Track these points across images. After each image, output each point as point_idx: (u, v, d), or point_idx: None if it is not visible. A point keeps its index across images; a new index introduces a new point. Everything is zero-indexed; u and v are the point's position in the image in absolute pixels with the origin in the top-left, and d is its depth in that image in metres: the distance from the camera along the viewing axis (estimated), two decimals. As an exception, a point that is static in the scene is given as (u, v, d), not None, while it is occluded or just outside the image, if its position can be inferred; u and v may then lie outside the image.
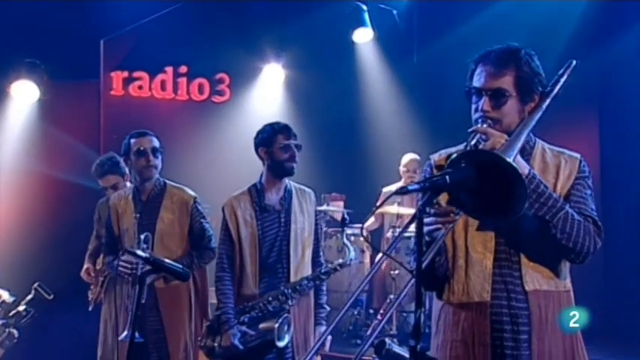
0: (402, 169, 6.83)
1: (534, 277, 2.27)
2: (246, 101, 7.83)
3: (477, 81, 2.31)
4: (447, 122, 7.67)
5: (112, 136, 7.21)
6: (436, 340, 2.44)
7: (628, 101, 7.01)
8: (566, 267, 2.34)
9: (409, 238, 6.53)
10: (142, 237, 3.73)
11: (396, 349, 4.62)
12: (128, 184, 4.56)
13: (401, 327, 6.27)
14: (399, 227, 6.37)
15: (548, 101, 2.31)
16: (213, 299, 4.05)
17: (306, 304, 3.79)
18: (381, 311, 6.30)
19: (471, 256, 2.31)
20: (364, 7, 7.56)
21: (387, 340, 4.78)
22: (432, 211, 2.09)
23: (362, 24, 7.55)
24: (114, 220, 4.04)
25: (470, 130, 2.26)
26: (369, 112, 7.86)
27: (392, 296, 6.25)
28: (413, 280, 1.94)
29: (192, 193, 4.08)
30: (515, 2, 6.88)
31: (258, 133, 3.79)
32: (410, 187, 1.91)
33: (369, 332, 6.07)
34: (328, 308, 3.90)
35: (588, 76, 6.58)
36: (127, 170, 4.58)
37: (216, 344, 3.68)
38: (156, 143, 3.98)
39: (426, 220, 2.09)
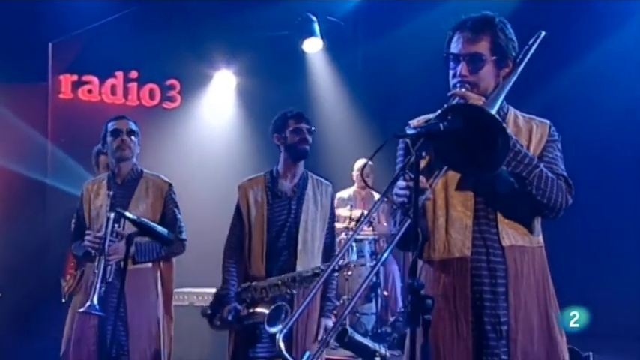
0: (355, 173, 6.95)
1: (510, 234, 2.37)
2: (197, 108, 7.85)
3: (455, 47, 2.41)
4: (396, 127, 7.92)
5: (60, 139, 7.13)
6: None
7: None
8: (538, 224, 2.46)
9: (361, 240, 6.67)
10: (112, 215, 3.67)
11: (358, 337, 4.74)
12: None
13: (354, 328, 6.32)
14: (352, 230, 6.46)
15: (520, 68, 2.43)
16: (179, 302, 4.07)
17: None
18: (335, 312, 6.34)
19: (451, 214, 2.41)
20: (314, 18, 7.70)
21: (349, 328, 4.88)
22: (405, 184, 2.21)
23: (311, 34, 7.70)
24: (85, 205, 3.98)
25: (449, 93, 2.36)
26: (320, 120, 7.90)
27: (345, 297, 6.31)
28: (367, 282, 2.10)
29: (167, 180, 4.06)
30: (454, 8, 7.11)
31: (273, 121, 3.91)
32: (408, 132, 2.01)
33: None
34: (337, 302, 3.97)
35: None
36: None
37: (216, 317, 3.76)
38: (133, 126, 3.96)
39: (400, 185, 2.22)
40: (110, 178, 3.99)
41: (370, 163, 6.86)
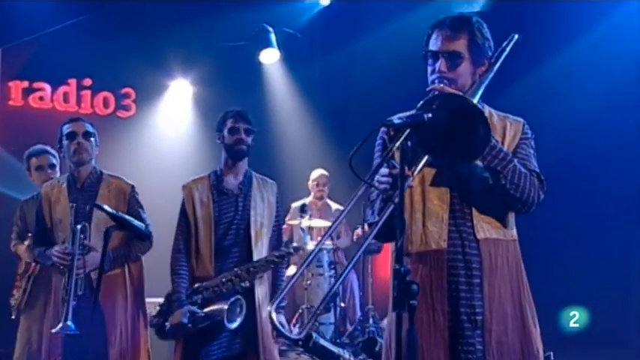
0: (311, 183, 6.96)
1: (485, 227, 2.43)
2: (153, 117, 7.75)
3: (434, 44, 2.47)
4: (352, 137, 8.00)
5: (10, 147, 6.91)
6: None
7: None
8: (512, 218, 2.51)
9: (320, 250, 6.66)
10: (79, 227, 3.60)
11: (322, 342, 4.71)
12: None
13: (313, 337, 6.28)
14: (312, 239, 6.46)
15: (496, 68, 2.49)
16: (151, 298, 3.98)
17: (264, 291, 3.80)
18: (293, 322, 6.30)
19: (428, 208, 2.45)
20: (270, 29, 7.72)
21: (314, 333, 4.86)
22: (387, 171, 2.25)
23: (268, 45, 7.71)
24: (45, 209, 3.87)
25: (428, 88, 2.40)
26: (277, 130, 7.95)
27: (304, 306, 6.27)
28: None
29: (130, 181, 3.99)
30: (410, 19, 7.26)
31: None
32: (395, 121, 2.03)
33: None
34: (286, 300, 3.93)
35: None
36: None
37: (167, 323, 3.64)
38: (89, 128, 3.88)
39: (382, 172, 2.26)
40: (70, 182, 3.89)
41: (326, 172, 7.02)
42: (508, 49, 2.57)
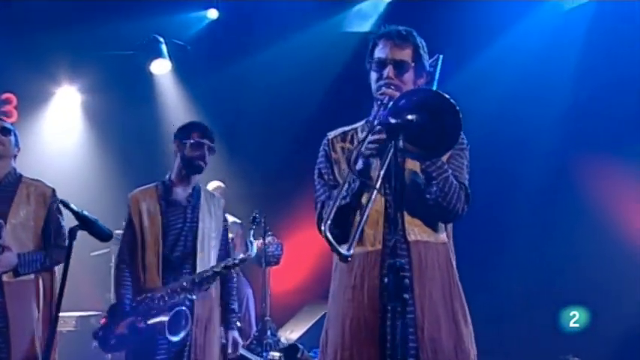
0: (207, 195, 6.90)
1: (416, 231, 2.54)
2: (37, 124, 7.40)
3: (382, 52, 2.59)
4: (243, 150, 8.05)
5: None
6: (333, 287, 2.66)
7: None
8: (442, 223, 2.64)
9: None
10: None
11: (242, 351, 4.68)
12: None
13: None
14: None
15: (435, 84, 2.67)
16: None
17: (209, 306, 3.77)
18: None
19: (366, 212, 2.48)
20: (161, 40, 7.62)
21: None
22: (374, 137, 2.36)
23: (159, 55, 7.60)
24: None
25: (379, 93, 2.54)
26: (169, 142, 7.80)
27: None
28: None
29: (50, 185, 3.81)
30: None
31: (178, 127, 3.86)
32: (391, 121, 2.14)
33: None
34: (239, 314, 3.91)
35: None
36: None
37: (110, 334, 3.55)
38: (7, 125, 3.70)
39: (370, 139, 2.37)
40: None
41: (222, 184, 6.99)
42: (438, 68, 2.71)
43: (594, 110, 6.52)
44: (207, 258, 3.76)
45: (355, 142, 2.59)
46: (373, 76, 2.61)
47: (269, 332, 6.42)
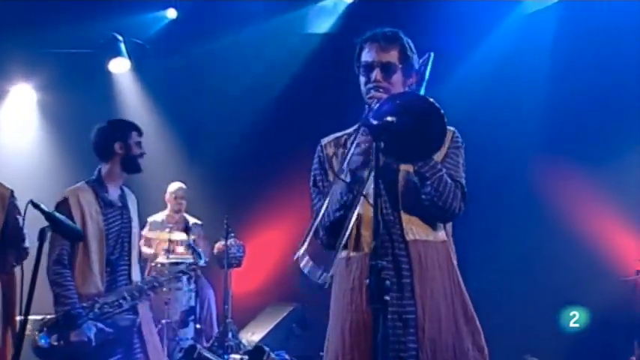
0: (168, 196, 6.85)
1: (414, 230, 2.53)
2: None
3: (368, 56, 2.59)
4: (204, 152, 7.98)
5: None
6: (334, 291, 2.62)
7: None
8: (440, 223, 2.63)
9: (178, 264, 6.53)
10: None
11: (206, 353, 4.65)
12: None
13: (172, 354, 6.15)
14: (172, 252, 6.35)
15: (424, 84, 2.67)
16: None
17: (147, 308, 3.80)
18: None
19: (361, 215, 2.50)
20: (120, 38, 7.51)
21: (198, 345, 4.77)
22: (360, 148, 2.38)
23: (118, 54, 7.49)
24: None
25: (368, 97, 2.54)
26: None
27: (164, 321, 6.12)
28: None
29: (8, 186, 3.70)
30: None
31: (109, 129, 3.80)
32: (374, 122, 2.14)
33: None
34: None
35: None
36: None
37: (57, 342, 3.45)
38: None
39: (353, 157, 2.38)
40: None
41: (184, 186, 6.93)
42: (429, 67, 2.73)
43: (558, 113, 6.66)
44: (135, 257, 3.80)
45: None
46: (362, 80, 2.61)
47: (230, 334, 6.38)
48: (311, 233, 2.22)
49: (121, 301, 3.57)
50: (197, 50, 7.89)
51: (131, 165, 3.80)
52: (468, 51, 6.90)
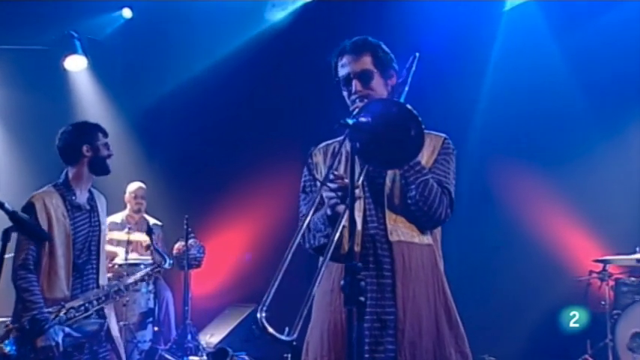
0: (128, 196, 6.75)
1: (399, 231, 2.53)
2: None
3: (343, 70, 2.63)
4: (162, 152, 7.89)
5: None
6: (317, 292, 2.56)
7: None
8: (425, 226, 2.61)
9: (137, 265, 6.44)
10: None
11: (167, 355, 4.58)
12: None
13: (131, 355, 6.06)
14: (131, 253, 6.27)
15: (408, 83, 2.62)
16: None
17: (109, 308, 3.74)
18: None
19: (345, 217, 2.49)
20: (76, 35, 7.38)
21: (159, 348, 4.70)
22: (333, 185, 2.35)
23: (74, 52, 7.36)
24: None
25: (353, 107, 2.56)
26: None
27: (122, 323, 6.02)
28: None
29: None
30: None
31: (75, 132, 3.77)
32: (349, 121, 2.13)
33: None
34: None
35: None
36: None
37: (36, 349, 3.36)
38: None
39: (326, 194, 2.36)
40: None
41: (144, 185, 6.84)
42: (414, 66, 2.68)
43: (514, 115, 6.77)
44: (104, 260, 3.79)
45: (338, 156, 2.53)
46: (344, 93, 2.64)
47: (190, 336, 6.31)
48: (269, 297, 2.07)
49: (87, 305, 3.53)
50: (154, 48, 7.84)
51: (99, 167, 3.78)
52: (420, 49, 6.96)
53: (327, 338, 2.50)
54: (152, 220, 6.71)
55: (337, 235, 2.22)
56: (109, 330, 3.69)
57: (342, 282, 2.04)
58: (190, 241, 6.34)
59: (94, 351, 3.53)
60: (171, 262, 4.09)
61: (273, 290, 2.03)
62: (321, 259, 2.21)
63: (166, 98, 7.89)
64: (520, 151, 6.78)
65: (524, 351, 6.42)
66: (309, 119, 7.63)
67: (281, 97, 7.38)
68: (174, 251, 6.60)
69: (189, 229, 6.33)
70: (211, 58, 7.68)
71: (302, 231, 2.27)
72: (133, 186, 6.75)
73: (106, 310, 3.70)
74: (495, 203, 6.68)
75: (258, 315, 1.98)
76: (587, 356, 5.89)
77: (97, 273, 3.70)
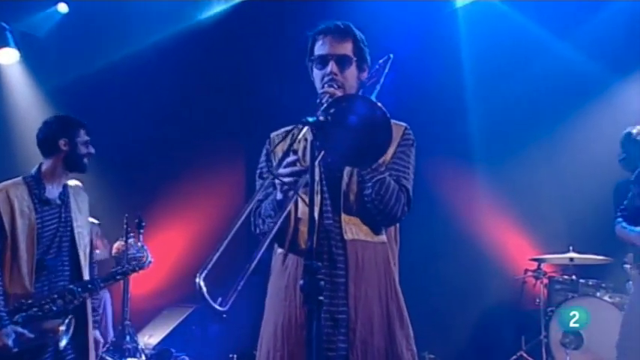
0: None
1: (353, 230, 2.51)
2: None
3: (322, 49, 2.57)
4: (99, 149, 7.66)
5: None
6: (269, 288, 2.62)
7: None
8: (381, 225, 2.59)
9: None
10: None
11: (106, 356, 4.47)
12: None
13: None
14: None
15: (380, 83, 2.55)
16: None
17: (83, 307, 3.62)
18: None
19: (300, 210, 2.51)
20: (7, 27, 7.14)
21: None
22: (285, 170, 2.34)
23: (6, 45, 7.13)
24: None
25: (322, 91, 2.50)
26: (21, 136, 7.29)
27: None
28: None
29: None
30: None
31: (55, 124, 3.67)
32: (310, 120, 2.11)
33: None
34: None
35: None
36: None
37: None
38: None
39: (284, 171, 2.33)
40: None
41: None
42: (387, 67, 2.63)
43: (453, 115, 6.88)
44: (84, 258, 3.65)
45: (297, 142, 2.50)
46: (316, 73, 2.58)
47: (128, 337, 6.19)
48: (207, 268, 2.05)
49: (50, 304, 3.41)
50: (89, 44, 7.66)
51: (74, 164, 3.68)
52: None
53: (280, 333, 2.49)
54: (89, 219, 6.54)
55: (281, 219, 2.22)
56: (85, 332, 3.58)
57: (300, 281, 2.04)
58: (130, 241, 6.21)
59: (55, 351, 3.40)
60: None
61: (214, 257, 2.02)
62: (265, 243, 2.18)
63: (104, 93, 7.70)
64: (456, 151, 6.89)
65: (462, 347, 6.56)
66: (249, 116, 7.65)
67: (221, 93, 7.31)
68: (114, 251, 6.48)
69: (129, 229, 6.20)
70: (148, 54, 7.54)
71: (248, 211, 2.22)
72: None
73: (89, 310, 3.64)
74: (432, 204, 6.77)
75: (197, 278, 1.97)
76: (522, 352, 6.06)
77: (72, 271, 3.58)
